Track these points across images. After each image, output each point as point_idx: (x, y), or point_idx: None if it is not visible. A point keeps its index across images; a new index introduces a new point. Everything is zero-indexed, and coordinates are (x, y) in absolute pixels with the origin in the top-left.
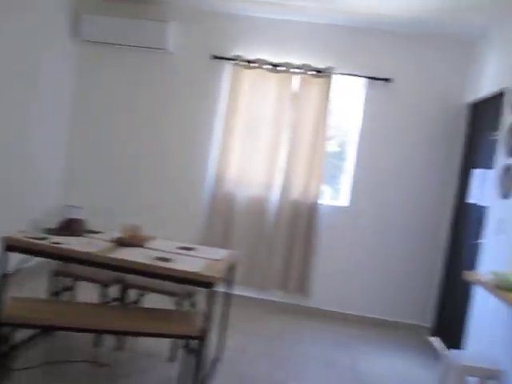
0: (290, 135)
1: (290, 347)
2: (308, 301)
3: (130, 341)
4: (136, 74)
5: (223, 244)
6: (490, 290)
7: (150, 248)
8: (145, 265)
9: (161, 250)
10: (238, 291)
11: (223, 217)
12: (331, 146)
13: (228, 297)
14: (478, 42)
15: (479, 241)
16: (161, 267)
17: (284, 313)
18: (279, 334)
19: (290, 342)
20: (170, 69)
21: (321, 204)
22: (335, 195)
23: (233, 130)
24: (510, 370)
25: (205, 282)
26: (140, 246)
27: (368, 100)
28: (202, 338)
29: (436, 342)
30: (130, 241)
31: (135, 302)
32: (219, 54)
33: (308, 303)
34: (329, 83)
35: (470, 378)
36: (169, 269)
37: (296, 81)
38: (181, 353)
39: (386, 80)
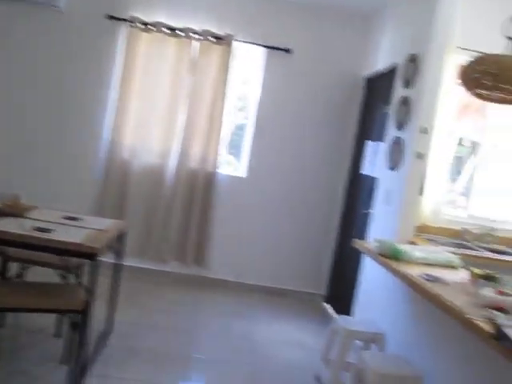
0: (189, 102)
1: (186, 319)
2: (205, 271)
3: (12, 317)
4: (24, 32)
5: (117, 213)
6: (374, 258)
7: (30, 218)
8: (19, 235)
9: (43, 221)
10: (133, 263)
11: (118, 185)
12: (239, 118)
13: (118, 268)
14: (375, 15)
15: (370, 210)
16: (37, 238)
17: (181, 284)
18: (176, 305)
19: (187, 314)
20: (62, 28)
21: (219, 174)
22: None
23: (129, 95)
24: (390, 334)
25: (86, 253)
26: (19, 215)
27: (267, 70)
28: (84, 311)
29: (329, 309)
30: (8, 210)
31: (18, 276)
32: (115, 15)
33: (205, 273)
34: (229, 51)
35: (355, 343)
36: (46, 239)
37: (195, 47)
38: (66, 328)
39: (286, 51)
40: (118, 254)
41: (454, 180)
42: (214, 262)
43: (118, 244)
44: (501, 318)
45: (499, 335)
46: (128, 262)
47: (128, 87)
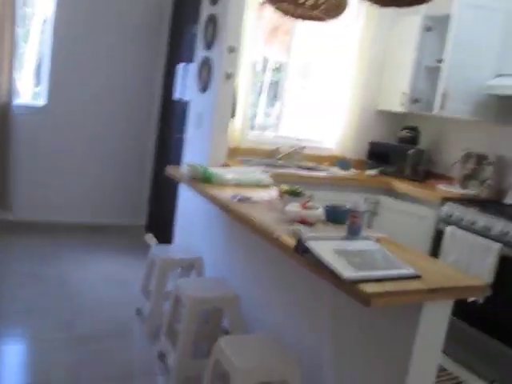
0: None
1: None
2: (10, 214)
3: None
4: None
5: None
6: (187, 183)
7: None
8: None
9: None
10: None
11: None
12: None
13: None
14: None
15: (183, 135)
16: None
17: None
18: None
19: None
20: None
21: (14, 104)
22: None
23: None
24: (209, 258)
25: None
26: None
27: None
28: None
29: (150, 239)
30: None
31: None
32: None
33: (9, 216)
34: None
35: (176, 270)
36: None
37: None
38: None
39: None
40: None
41: (272, 105)
42: (18, 202)
43: None
44: (303, 231)
45: (300, 248)
46: None
47: None
